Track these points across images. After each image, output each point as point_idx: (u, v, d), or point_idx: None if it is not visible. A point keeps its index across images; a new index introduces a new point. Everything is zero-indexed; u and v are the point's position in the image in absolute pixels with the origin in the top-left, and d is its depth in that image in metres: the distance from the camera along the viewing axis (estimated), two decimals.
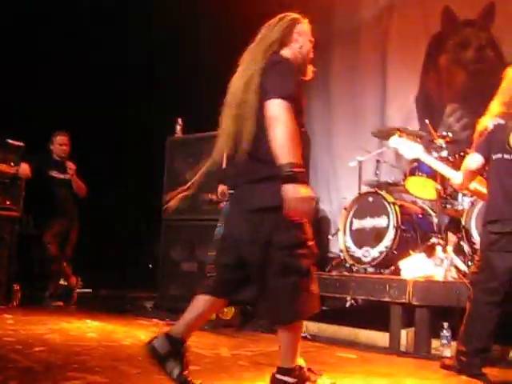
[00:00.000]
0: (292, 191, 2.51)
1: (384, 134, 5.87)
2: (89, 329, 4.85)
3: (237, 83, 2.84)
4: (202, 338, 4.62)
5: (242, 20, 7.52)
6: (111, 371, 3.31)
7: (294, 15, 2.95)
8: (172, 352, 2.84)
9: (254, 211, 2.70)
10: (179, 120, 6.57)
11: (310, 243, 2.72)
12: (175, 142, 6.60)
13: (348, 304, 4.67)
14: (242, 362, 3.77)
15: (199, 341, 4.46)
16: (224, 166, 3.29)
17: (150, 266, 7.50)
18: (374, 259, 5.03)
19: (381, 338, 4.58)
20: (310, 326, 4.98)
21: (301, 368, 2.82)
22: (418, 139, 5.39)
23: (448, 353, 4.12)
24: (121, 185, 7.80)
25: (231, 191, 2.88)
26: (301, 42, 2.93)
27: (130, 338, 4.44)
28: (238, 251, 2.79)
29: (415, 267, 4.58)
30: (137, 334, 4.66)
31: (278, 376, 2.76)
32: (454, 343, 4.12)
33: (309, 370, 2.88)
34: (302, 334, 4.64)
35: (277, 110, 2.56)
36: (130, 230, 8.20)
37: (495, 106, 3.62)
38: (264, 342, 4.49)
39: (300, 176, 2.54)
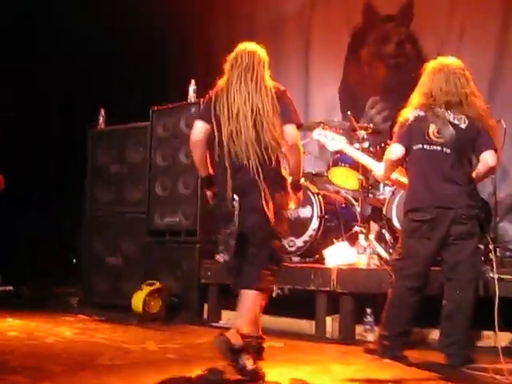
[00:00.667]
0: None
1: (307, 127, 5.93)
2: (10, 327, 4.70)
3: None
4: (129, 333, 4.57)
5: (165, 11, 7.47)
6: (33, 370, 3.22)
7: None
8: (244, 346, 3.05)
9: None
10: (102, 111, 6.42)
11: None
12: (98, 134, 6.46)
13: (274, 294, 4.71)
14: (170, 355, 3.75)
15: (125, 335, 4.42)
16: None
17: (74, 261, 7.31)
18: (298, 248, 5.10)
19: (307, 325, 4.66)
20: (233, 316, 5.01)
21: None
22: (341, 131, 5.54)
23: (371, 338, 4.25)
24: (42, 177, 7.54)
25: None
26: None
27: (54, 336, 4.33)
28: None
29: (339, 255, 4.69)
30: (61, 330, 4.55)
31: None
32: (377, 328, 4.26)
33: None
34: (228, 325, 4.70)
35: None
36: (53, 225, 7.95)
37: (415, 98, 3.73)
38: (192, 335, 4.49)
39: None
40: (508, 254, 4.72)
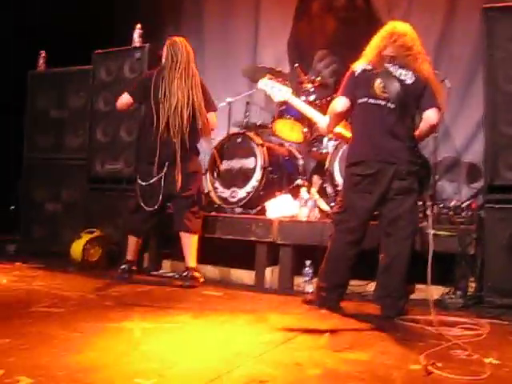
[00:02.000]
0: None
1: (254, 75, 5.85)
2: None
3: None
4: (67, 280, 4.51)
5: None
6: None
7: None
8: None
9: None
10: (42, 52, 6.17)
11: None
12: (37, 77, 6.22)
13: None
14: (108, 302, 3.73)
15: (64, 283, 4.36)
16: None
17: (12, 207, 7.11)
18: (241, 199, 5.09)
19: (247, 276, 4.71)
20: (179, 266, 5.02)
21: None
22: (287, 82, 5.49)
23: (310, 289, 4.33)
24: None
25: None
26: None
27: None
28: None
29: (280, 207, 4.72)
30: None
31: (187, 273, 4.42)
32: (315, 280, 4.34)
33: None
34: (170, 274, 4.72)
35: None
36: None
37: (369, 53, 3.70)
38: (131, 283, 4.47)
39: None
40: (445, 211, 4.84)
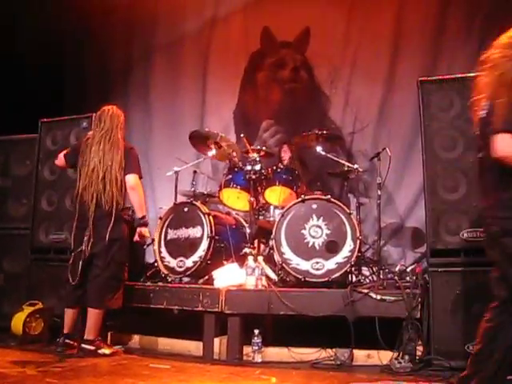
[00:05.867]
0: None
1: (202, 143, 5.83)
2: None
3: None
4: (7, 356, 4.33)
5: (61, 26, 7.23)
6: None
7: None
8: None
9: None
10: None
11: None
12: None
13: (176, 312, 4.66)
14: (49, 379, 3.58)
15: (3, 359, 4.18)
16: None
17: None
18: (188, 269, 5.04)
19: (195, 347, 4.62)
20: (125, 339, 4.89)
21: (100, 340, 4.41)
22: (234, 152, 5.59)
23: (259, 358, 4.27)
24: None
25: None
26: None
27: None
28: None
29: (228, 276, 4.68)
30: None
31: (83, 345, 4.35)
32: (264, 349, 4.29)
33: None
34: (117, 347, 4.59)
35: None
36: None
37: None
38: (74, 357, 4.31)
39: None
40: (390, 276, 4.91)
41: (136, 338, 4.92)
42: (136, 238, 4.66)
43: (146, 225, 4.63)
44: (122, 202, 4.56)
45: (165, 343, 4.79)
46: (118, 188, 4.47)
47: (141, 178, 4.63)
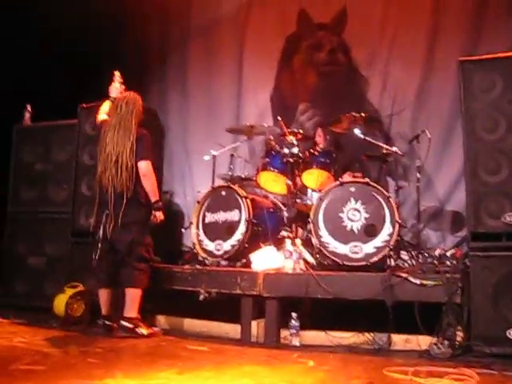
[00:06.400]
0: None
1: (239, 130, 5.96)
2: None
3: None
4: (49, 336, 4.43)
5: (97, 11, 7.28)
6: None
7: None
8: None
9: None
10: (28, 106, 6.22)
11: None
12: (23, 130, 6.25)
13: (201, 297, 4.69)
14: (91, 359, 3.65)
15: (45, 339, 4.27)
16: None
17: None
18: (226, 252, 5.08)
19: (233, 329, 4.65)
20: (163, 321, 4.95)
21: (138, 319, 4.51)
22: (271, 136, 5.58)
23: (297, 342, 4.28)
24: None
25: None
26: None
27: None
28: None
29: (265, 260, 4.69)
30: None
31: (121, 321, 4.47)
32: (302, 332, 4.30)
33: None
34: (155, 328, 4.66)
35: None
36: None
37: None
38: (114, 339, 4.39)
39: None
40: (430, 260, 4.85)
41: (173, 320, 4.98)
42: (152, 221, 4.71)
43: (159, 209, 4.69)
44: (133, 186, 4.59)
45: (202, 325, 4.84)
46: (129, 173, 4.55)
47: (153, 163, 4.69)
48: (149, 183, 4.63)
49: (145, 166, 4.61)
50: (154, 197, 4.65)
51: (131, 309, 4.51)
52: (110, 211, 4.56)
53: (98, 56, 7.23)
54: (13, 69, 6.74)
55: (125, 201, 4.54)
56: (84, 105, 5.80)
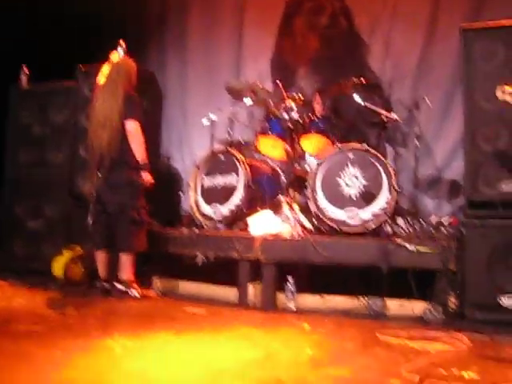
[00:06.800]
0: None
1: (237, 92, 5.86)
2: None
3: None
4: (48, 299, 4.47)
5: None
6: None
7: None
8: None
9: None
10: (25, 68, 6.16)
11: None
12: (20, 93, 6.20)
13: (199, 261, 4.73)
14: (89, 320, 3.70)
15: (44, 301, 4.32)
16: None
17: None
18: (223, 216, 5.10)
19: (229, 293, 4.70)
20: (160, 283, 5.00)
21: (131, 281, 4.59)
22: (270, 100, 5.54)
23: (293, 305, 4.34)
24: None
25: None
26: None
27: None
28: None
29: (262, 224, 4.72)
30: None
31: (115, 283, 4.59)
32: (298, 296, 4.35)
33: None
34: (152, 291, 4.71)
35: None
36: None
37: None
38: (112, 301, 4.44)
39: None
40: (425, 227, 4.88)
41: (170, 282, 5.02)
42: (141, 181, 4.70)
43: (146, 170, 4.67)
44: (120, 147, 4.59)
45: (199, 288, 4.89)
46: (116, 133, 4.57)
47: (140, 123, 4.66)
48: (135, 143, 4.62)
49: (132, 126, 4.60)
50: (140, 157, 4.64)
51: (124, 271, 4.61)
52: (100, 173, 4.61)
53: (97, 18, 7.14)
54: (8, 28, 6.67)
55: (112, 162, 4.57)
56: (82, 66, 5.74)
